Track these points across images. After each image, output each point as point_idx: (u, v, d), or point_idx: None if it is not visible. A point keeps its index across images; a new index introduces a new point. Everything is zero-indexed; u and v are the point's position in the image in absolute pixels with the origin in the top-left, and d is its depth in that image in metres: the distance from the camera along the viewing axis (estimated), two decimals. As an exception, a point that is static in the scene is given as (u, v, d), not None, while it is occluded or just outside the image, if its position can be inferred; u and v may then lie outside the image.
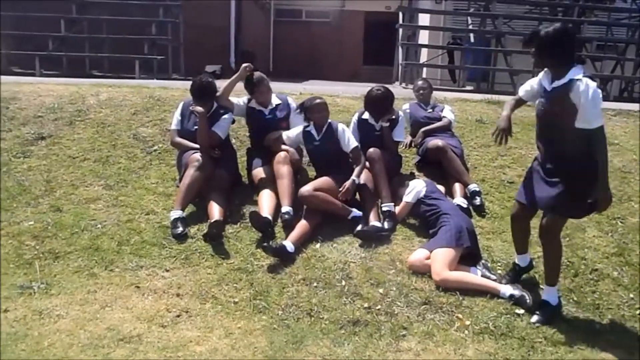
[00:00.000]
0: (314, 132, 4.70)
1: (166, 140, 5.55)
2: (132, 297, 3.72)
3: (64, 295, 3.71)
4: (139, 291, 3.79)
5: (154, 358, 3.12)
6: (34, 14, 10.60)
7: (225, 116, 4.85)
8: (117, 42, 10.95)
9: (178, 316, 3.54)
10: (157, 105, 6.20)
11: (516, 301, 3.76)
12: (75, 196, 4.76)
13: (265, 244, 4.10)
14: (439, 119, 5.36)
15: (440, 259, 3.96)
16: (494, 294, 3.82)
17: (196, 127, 4.68)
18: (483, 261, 4.15)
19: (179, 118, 4.88)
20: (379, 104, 4.93)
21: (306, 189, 4.38)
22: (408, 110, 5.48)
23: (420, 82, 5.70)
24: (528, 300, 3.75)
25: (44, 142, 5.48)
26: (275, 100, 5.05)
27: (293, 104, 5.11)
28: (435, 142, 5.02)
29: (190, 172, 4.50)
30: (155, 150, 5.41)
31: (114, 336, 3.29)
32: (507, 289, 3.82)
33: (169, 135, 5.00)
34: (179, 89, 6.85)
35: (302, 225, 4.30)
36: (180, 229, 4.31)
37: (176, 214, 4.39)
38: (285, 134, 4.82)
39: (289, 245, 4.11)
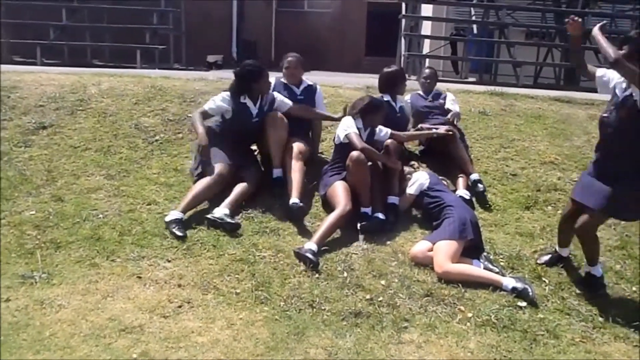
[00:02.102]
0: (363, 133, 4.62)
1: (168, 130, 5.54)
2: (133, 288, 3.71)
3: (65, 285, 3.70)
4: (141, 281, 3.78)
5: (155, 348, 3.11)
6: (35, 2, 10.57)
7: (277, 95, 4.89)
8: (118, 31, 10.93)
9: (180, 307, 3.53)
10: (159, 95, 6.17)
11: (519, 293, 3.75)
12: (76, 186, 4.75)
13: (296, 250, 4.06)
14: (439, 107, 5.32)
15: (443, 251, 3.94)
16: (496, 287, 3.81)
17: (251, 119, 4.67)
18: (485, 254, 4.14)
19: (224, 106, 4.68)
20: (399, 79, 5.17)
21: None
22: (409, 102, 5.44)
23: (427, 71, 5.64)
24: (531, 293, 3.75)
25: (45, 131, 5.45)
26: (306, 82, 5.16)
27: (319, 88, 5.20)
28: (444, 127, 4.98)
29: (207, 181, 4.41)
30: (157, 141, 5.39)
31: (115, 326, 3.28)
32: (509, 282, 3.81)
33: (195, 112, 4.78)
34: (181, 78, 6.82)
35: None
36: (178, 232, 4.16)
37: (175, 215, 4.27)
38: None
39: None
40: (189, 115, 5.71)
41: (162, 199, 4.62)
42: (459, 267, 3.93)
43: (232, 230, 4.24)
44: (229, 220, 4.26)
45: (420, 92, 5.54)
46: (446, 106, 5.32)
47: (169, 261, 3.99)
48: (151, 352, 3.08)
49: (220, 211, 4.31)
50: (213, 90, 6.23)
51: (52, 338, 3.15)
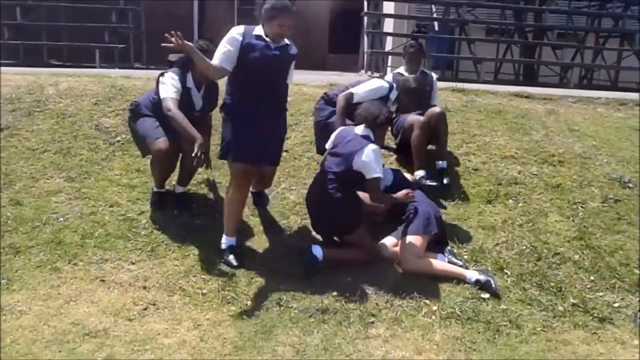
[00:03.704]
0: None
1: (129, 131, 5.43)
2: (97, 291, 3.65)
3: (26, 290, 3.62)
4: (104, 285, 3.72)
5: (121, 352, 3.07)
6: (-12, 0, 10.25)
7: None
8: (76, 30, 10.68)
9: (145, 309, 3.49)
10: (120, 95, 6.05)
11: (482, 286, 3.83)
12: (35, 189, 4.63)
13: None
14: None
15: (408, 247, 3.99)
16: (460, 280, 3.88)
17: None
18: (449, 247, 4.21)
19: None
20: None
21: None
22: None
23: (410, 46, 5.42)
24: (493, 285, 3.83)
25: (1, 133, 5.29)
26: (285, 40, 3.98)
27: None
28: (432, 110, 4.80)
29: (239, 194, 3.97)
30: (118, 141, 5.30)
31: (79, 331, 3.23)
32: (473, 274, 3.88)
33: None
34: (142, 78, 6.71)
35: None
36: (234, 261, 3.92)
37: (228, 241, 4.02)
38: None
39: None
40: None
41: (125, 200, 4.55)
42: (424, 262, 3.98)
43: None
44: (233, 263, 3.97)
45: (403, 72, 5.25)
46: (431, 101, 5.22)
47: (133, 263, 3.94)
48: (116, 355, 3.04)
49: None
50: (175, 90, 6.16)
51: (13, 345, 3.09)
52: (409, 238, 4.03)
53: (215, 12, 14.68)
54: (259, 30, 3.91)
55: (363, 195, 4.03)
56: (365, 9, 11.46)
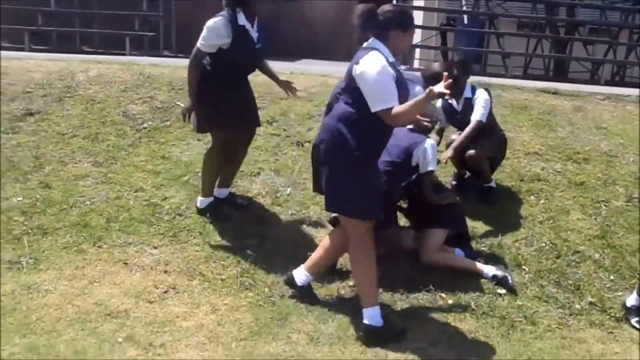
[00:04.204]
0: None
1: (156, 118, 5.55)
2: (120, 273, 3.75)
3: (52, 270, 3.74)
4: (127, 267, 3.83)
5: (140, 333, 3.17)
6: (24, -12, 10.50)
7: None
8: (107, 17, 10.87)
9: (165, 292, 3.59)
10: (147, 83, 6.17)
11: (499, 281, 3.83)
12: (64, 173, 4.77)
13: None
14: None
15: (429, 240, 4.00)
16: (478, 274, 3.89)
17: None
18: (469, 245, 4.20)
19: (224, 38, 3.91)
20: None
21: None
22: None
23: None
24: (510, 281, 3.83)
25: (32, 118, 5.46)
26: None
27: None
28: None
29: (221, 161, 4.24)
30: (144, 128, 5.41)
31: (101, 311, 3.34)
32: (490, 270, 3.88)
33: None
34: (170, 66, 6.82)
35: None
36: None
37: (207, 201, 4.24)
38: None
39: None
40: (178, 102, 5.75)
41: (150, 186, 4.65)
42: (444, 256, 3.99)
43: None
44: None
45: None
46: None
47: (155, 248, 4.04)
48: (136, 336, 3.14)
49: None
50: (201, 79, 6.25)
51: (38, 322, 3.21)
52: (431, 231, 4.04)
53: None
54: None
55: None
56: (395, 2, 11.39)
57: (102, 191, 4.57)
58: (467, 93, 4.57)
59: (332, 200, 3.30)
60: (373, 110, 3.07)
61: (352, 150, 3.14)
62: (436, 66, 4.42)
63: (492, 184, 4.74)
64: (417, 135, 3.92)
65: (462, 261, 4.02)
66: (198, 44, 3.99)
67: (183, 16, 11.50)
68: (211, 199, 4.33)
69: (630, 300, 3.69)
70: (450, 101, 4.60)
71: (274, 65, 4.59)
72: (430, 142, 3.89)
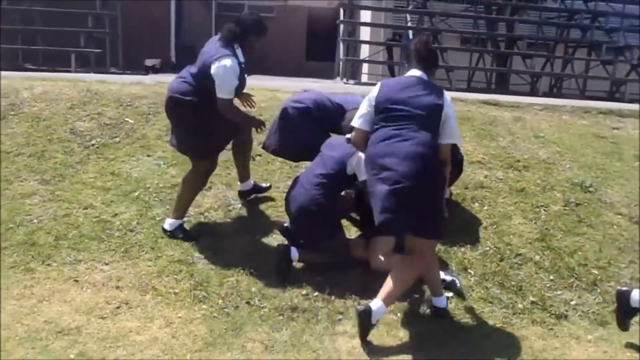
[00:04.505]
0: None
1: (104, 135, 5.51)
2: (70, 291, 3.72)
3: (-1, 290, 3.67)
4: (78, 285, 3.79)
5: (93, 348, 3.15)
6: (-38, 4, 10.20)
7: None
8: (51, 34, 10.66)
9: (118, 308, 3.58)
10: (95, 99, 6.11)
11: (447, 285, 3.97)
12: (9, 191, 4.67)
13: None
14: None
15: (377, 246, 4.10)
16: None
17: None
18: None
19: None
20: None
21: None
22: None
23: None
24: (458, 284, 3.98)
25: (-25, 136, 5.33)
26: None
27: None
28: None
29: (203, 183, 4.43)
30: (93, 145, 5.36)
31: (52, 329, 3.30)
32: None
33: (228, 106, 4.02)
34: (117, 82, 6.78)
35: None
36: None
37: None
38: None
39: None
40: (126, 119, 5.73)
41: (99, 202, 4.61)
42: (392, 262, 4.08)
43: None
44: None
45: None
46: None
47: (107, 264, 4.01)
48: (89, 352, 3.13)
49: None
50: (150, 94, 6.25)
51: (-15, 343, 3.14)
52: (379, 238, 4.15)
53: (193, 17, 14.74)
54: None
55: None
56: (342, 17, 11.64)
57: (50, 209, 4.51)
58: None
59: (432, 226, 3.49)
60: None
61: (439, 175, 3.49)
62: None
63: None
64: (350, 145, 3.95)
65: None
66: (224, 96, 3.96)
67: (129, 32, 11.40)
68: (181, 221, 4.29)
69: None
70: None
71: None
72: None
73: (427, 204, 3.39)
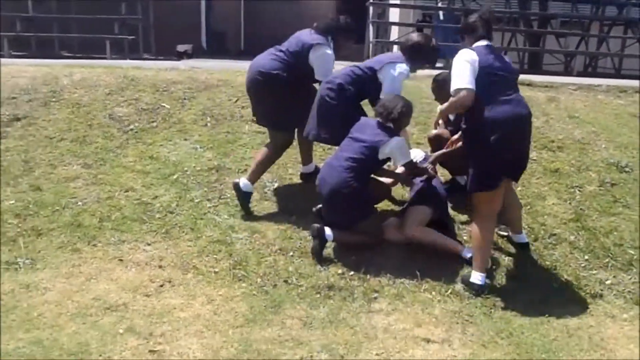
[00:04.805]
0: None
1: (142, 120, 5.65)
2: (115, 270, 3.88)
3: (49, 269, 3.85)
4: (122, 264, 3.95)
5: (140, 324, 3.29)
6: (1, -6, 10.47)
7: None
8: (86, 22, 10.87)
9: (161, 286, 3.72)
10: (132, 85, 6.26)
11: (468, 261, 3.96)
12: (54, 175, 4.86)
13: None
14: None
15: (412, 215, 4.16)
16: (456, 254, 4.06)
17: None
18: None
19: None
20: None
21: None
22: None
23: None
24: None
25: (19, 123, 5.53)
26: None
27: None
28: None
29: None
30: (131, 130, 5.51)
31: (100, 305, 3.46)
32: (468, 251, 4.03)
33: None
34: (152, 68, 6.92)
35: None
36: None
37: (478, 278, 3.82)
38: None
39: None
40: (163, 104, 5.87)
41: (140, 185, 4.76)
42: (424, 231, 4.11)
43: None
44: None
45: None
46: None
47: (149, 244, 4.16)
48: (136, 327, 3.27)
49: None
50: (185, 80, 6.38)
51: (40, 318, 3.32)
52: (415, 208, 4.21)
53: (223, 2, 14.81)
54: None
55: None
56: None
57: (93, 192, 4.67)
58: None
59: None
60: None
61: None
62: (415, 36, 4.48)
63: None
64: (382, 132, 4.01)
65: (443, 239, 4.14)
66: (321, 78, 4.44)
67: (161, 18, 11.54)
68: (251, 187, 4.53)
69: None
70: None
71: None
72: (396, 140, 3.98)
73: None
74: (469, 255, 4.01)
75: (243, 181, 4.45)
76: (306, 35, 4.52)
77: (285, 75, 4.39)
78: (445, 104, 3.88)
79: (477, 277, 3.79)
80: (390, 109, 4.04)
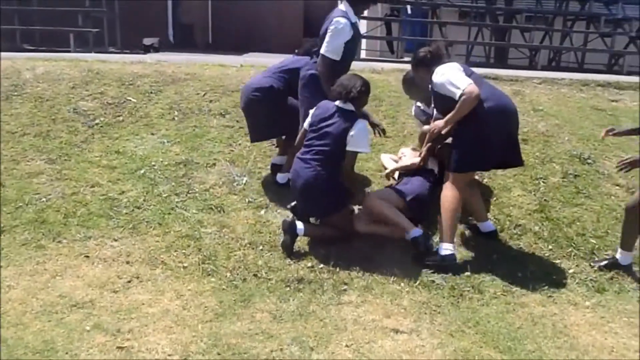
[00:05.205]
0: None
1: (108, 114, 5.56)
2: (82, 266, 3.82)
3: (12, 267, 3.77)
4: (89, 260, 3.89)
5: (107, 320, 3.25)
6: (-42, -15, 10.16)
7: None
8: (49, 14, 10.63)
9: (129, 282, 3.67)
10: (97, 79, 6.15)
11: (415, 241, 4.01)
12: (17, 171, 4.75)
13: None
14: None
15: (378, 192, 4.28)
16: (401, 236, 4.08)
17: None
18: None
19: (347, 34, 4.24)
20: None
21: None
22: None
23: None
24: (429, 242, 4.05)
25: (-21, 117, 5.39)
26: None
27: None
28: None
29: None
30: (97, 124, 5.42)
31: (66, 302, 3.40)
32: (417, 231, 4.02)
33: None
34: (118, 62, 6.81)
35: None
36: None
37: (448, 248, 3.94)
38: None
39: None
40: (129, 98, 5.78)
41: (106, 181, 4.69)
42: (383, 204, 4.11)
43: None
44: None
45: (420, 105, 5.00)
46: None
47: (116, 240, 4.11)
48: (103, 324, 3.22)
49: None
50: (151, 73, 6.30)
51: (3, 316, 3.25)
52: (386, 189, 4.41)
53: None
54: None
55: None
56: (339, -7, 11.59)
57: (58, 188, 4.59)
58: None
59: None
60: None
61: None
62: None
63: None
64: (343, 119, 3.99)
65: (396, 214, 4.08)
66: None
67: (127, 11, 11.36)
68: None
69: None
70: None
71: (225, 59, 4.67)
72: (360, 123, 4.00)
73: None
74: (416, 234, 3.99)
75: (280, 177, 4.69)
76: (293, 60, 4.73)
77: (280, 86, 4.55)
78: (453, 111, 3.89)
79: (447, 248, 3.93)
80: (349, 87, 4.02)
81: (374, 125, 4.63)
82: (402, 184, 4.42)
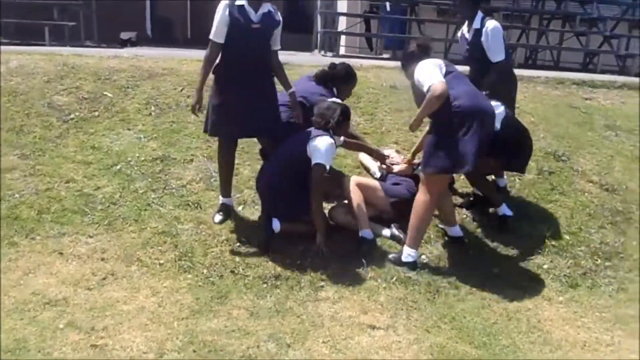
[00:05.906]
0: None
1: (83, 109, 5.48)
2: (55, 263, 3.76)
3: (-17, 264, 3.70)
4: (63, 257, 3.84)
5: (81, 318, 3.21)
6: None
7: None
8: (23, 7, 10.43)
9: (104, 279, 3.64)
10: (72, 73, 6.05)
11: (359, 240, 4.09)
12: (-11, 166, 4.66)
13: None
14: None
15: (363, 182, 4.28)
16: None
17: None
18: (395, 224, 4.38)
19: (225, 16, 3.95)
20: None
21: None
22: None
23: None
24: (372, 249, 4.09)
25: (-50, 111, 5.27)
26: (267, 6, 4.03)
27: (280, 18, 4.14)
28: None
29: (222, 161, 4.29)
30: (72, 119, 5.34)
31: (39, 300, 3.36)
32: (368, 234, 4.10)
33: None
34: (94, 56, 6.71)
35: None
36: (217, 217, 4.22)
37: (411, 254, 3.95)
38: None
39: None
40: (105, 93, 5.70)
41: (81, 176, 4.63)
42: (356, 194, 4.14)
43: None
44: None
45: None
46: None
47: (91, 237, 4.06)
48: (77, 322, 3.19)
49: None
50: (128, 68, 6.22)
51: (-26, 315, 3.19)
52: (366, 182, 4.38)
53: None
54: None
55: (364, 196, 4.18)
56: (320, -9, 11.58)
57: (32, 183, 4.51)
58: (476, 24, 4.81)
59: None
60: None
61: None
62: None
63: (505, 210, 4.53)
64: (315, 131, 3.98)
65: (362, 210, 4.13)
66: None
67: (104, 5, 11.20)
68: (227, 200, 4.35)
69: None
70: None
71: (203, 54, 4.60)
72: (327, 139, 3.92)
73: None
74: (366, 235, 4.07)
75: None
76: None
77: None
78: (420, 108, 3.89)
79: (410, 254, 3.94)
80: (327, 117, 4.01)
81: (381, 158, 4.56)
82: (391, 183, 4.42)
